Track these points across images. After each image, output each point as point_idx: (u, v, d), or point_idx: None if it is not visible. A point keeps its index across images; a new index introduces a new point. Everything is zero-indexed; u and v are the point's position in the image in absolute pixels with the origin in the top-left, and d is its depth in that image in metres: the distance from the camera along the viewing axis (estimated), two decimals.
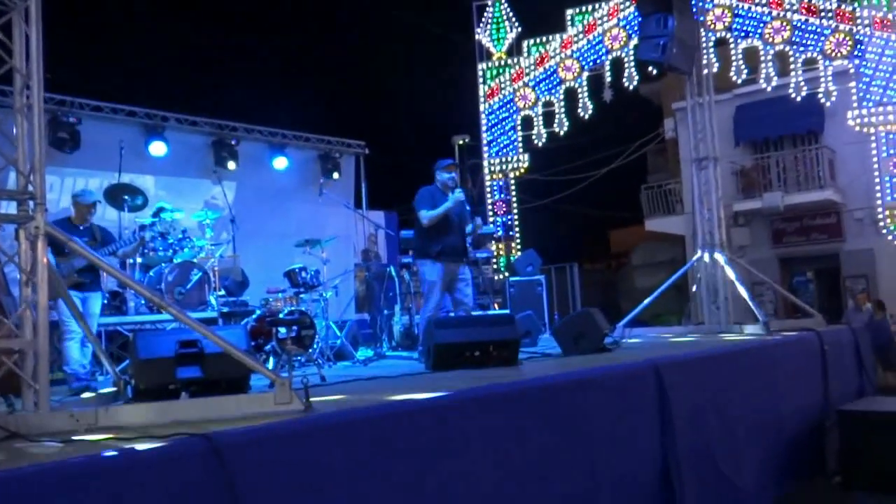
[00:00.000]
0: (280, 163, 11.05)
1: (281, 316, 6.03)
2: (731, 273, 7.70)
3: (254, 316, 6.44)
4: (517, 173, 12.52)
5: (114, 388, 4.03)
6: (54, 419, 2.91)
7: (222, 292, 7.46)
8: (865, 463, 5.34)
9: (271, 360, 5.78)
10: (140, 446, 2.35)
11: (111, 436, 2.57)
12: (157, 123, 9.75)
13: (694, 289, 8.18)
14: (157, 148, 9.63)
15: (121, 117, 9.53)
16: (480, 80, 12.71)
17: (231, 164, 10.28)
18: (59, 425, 2.87)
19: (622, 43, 11.51)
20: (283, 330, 5.78)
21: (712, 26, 10.42)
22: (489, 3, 12.84)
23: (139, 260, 7.27)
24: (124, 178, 8.76)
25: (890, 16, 10.02)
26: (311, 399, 3.08)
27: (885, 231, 10.53)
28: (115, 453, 2.27)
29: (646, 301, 7.98)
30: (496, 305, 9.44)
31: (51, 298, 4.99)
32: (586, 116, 11.94)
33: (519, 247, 12.13)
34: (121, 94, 10.15)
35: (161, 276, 6.89)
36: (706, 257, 7.86)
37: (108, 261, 5.65)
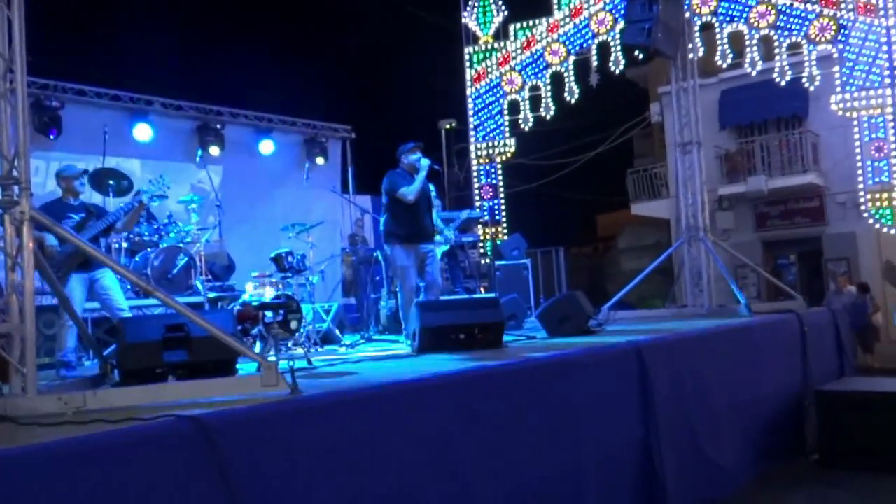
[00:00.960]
0: (266, 147, 11.02)
1: (266, 300, 6.05)
2: (713, 257, 7.80)
3: (240, 300, 6.46)
4: (504, 158, 12.52)
5: (101, 372, 4.06)
6: (42, 402, 2.94)
7: (209, 277, 7.46)
8: (842, 441, 5.47)
9: (258, 343, 5.80)
10: (129, 428, 2.38)
11: (99, 419, 2.59)
12: (141, 107, 9.69)
13: (678, 272, 8.27)
14: (142, 132, 9.59)
15: (105, 101, 9.47)
16: (467, 64, 12.68)
17: (216, 149, 10.24)
18: (48, 408, 2.90)
19: (609, 27, 11.51)
20: (269, 314, 5.80)
21: (698, 10, 10.44)
22: None
23: (125, 245, 7.25)
24: (109, 163, 8.71)
25: (874, 0, 10.08)
26: (298, 381, 3.11)
27: (866, 215, 10.64)
28: (103, 436, 2.30)
29: (630, 284, 8.06)
30: (482, 289, 9.50)
31: (60, 282, 4.98)
32: (573, 100, 11.96)
33: (505, 231, 12.17)
34: (104, 78, 10.08)
35: (147, 261, 6.89)
36: (690, 241, 7.95)
37: (97, 243, 5.57)
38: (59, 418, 2.74)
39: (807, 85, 11.00)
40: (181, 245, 7.25)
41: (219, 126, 10.38)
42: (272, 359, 3.12)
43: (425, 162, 6.12)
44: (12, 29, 3.21)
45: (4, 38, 3.23)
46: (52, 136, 8.75)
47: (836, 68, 10.51)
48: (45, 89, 8.80)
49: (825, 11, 10.22)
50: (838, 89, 10.46)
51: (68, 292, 5.07)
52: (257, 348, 5.68)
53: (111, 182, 7.66)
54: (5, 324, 3.08)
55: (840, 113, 10.69)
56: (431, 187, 6.62)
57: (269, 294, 6.24)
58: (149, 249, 7.11)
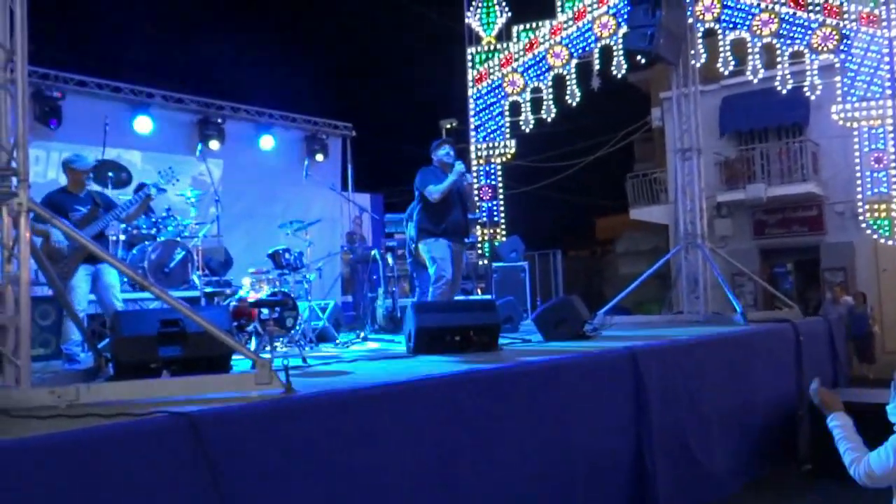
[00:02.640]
0: (266, 142, 11.02)
1: (262, 297, 6.04)
2: (710, 264, 7.80)
3: (236, 296, 6.44)
4: (503, 159, 12.54)
5: (95, 366, 4.05)
6: (36, 395, 2.93)
7: (206, 271, 7.45)
8: (835, 451, 5.46)
9: (253, 340, 5.80)
10: (120, 423, 2.38)
11: (92, 413, 2.59)
12: (142, 100, 9.69)
13: (675, 278, 8.28)
14: (143, 124, 9.59)
15: (106, 93, 9.46)
16: (469, 64, 12.69)
17: (216, 143, 10.24)
18: (41, 401, 2.89)
19: (611, 31, 11.53)
20: (265, 311, 5.79)
21: (701, 17, 10.47)
22: None
23: (122, 237, 7.23)
24: (110, 154, 8.70)
25: (876, 11, 10.10)
26: (292, 380, 3.11)
27: (864, 225, 10.68)
28: (95, 430, 2.30)
29: (626, 289, 8.06)
30: (479, 290, 9.51)
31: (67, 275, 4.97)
32: (574, 103, 11.98)
33: (503, 233, 12.18)
34: (106, 70, 10.08)
35: (144, 254, 6.87)
36: (687, 248, 7.95)
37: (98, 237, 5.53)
38: (52, 411, 2.73)
39: (808, 94, 11.02)
40: (179, 239, 7.24)
41: (219, 120, 10.38)
42: (266, 356, 3.11)
43: (460, 167, 6.16)
44: (14, 19, 3.20)
45: (6, 28, 3.22)
46: (52, 126, 8.73)
47: (838, 78, 10.53)
48: (45, 79, 8.79)
49: (828, 21, 10.25)
50: (839, 99, 10.48)
51: (74, 285, 5.06)
52: (252, 345, 5.68)
53: (110, 174, 7.63)
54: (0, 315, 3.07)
55: (841, 123, 10.71)
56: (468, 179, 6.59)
57: (265, 291, 6.24)
58: (146, 242, 7.09)
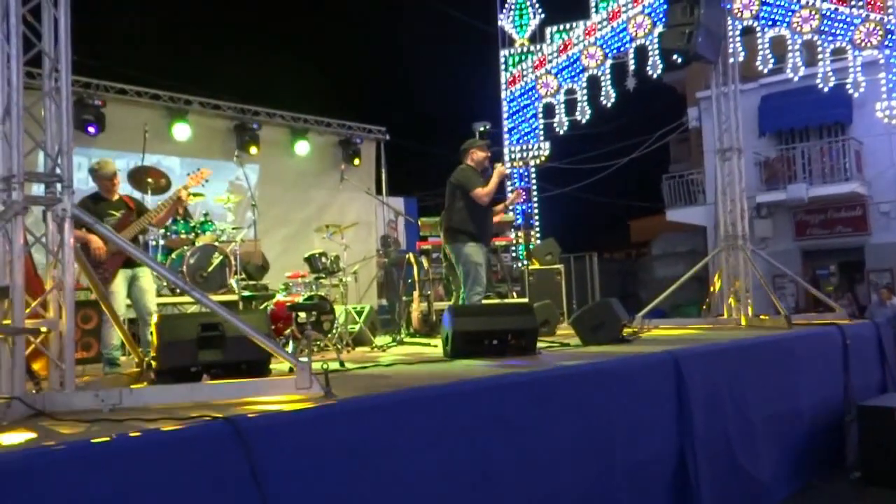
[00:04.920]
0: (301, 148, 11.11)
1: (299, 301, 6.07)
2: (752, 266, 7.64)
3: (273, 300, 6.49)
4: (538, 161, 12.45)
5: (137, 370, 4.10)
6: (79, 398, 2.97)
7: (243, 276, 7.52)
8: (885, 459, 5.30)
9: (290, 344, 5.83)
10: (163, 427, 2.39)
11: (134, 417, 2.61)
12: (180, 107, 9.84)
13: (715, 280, 8.11)
14: (181, 131, 9.75)
15: (145, 100, 9.64)
16: (502, 66, 12.63)
17: (253, 149, 10.36)
18: (84, 404, 2.92)
19: (647, 31, 11.38)
20: (302, 315, 5.82)
21: (739, 14, 10.26)
22: None
23: (161, 242, 7.34)
24: (150, 160, 8.85)
25: None
26: (331, 384, 3.10)
27: None
28: (138, 434, 2.31)
29: (665, 292, 7.93)
30: (514, 294, 9.43)
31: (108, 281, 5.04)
32: (609, 104, 11.85)
33: (538, 235, 12.09)
34: (145, 78, 10.26)
35: (183, 259, 6.96)
36: (728, 249, 7.79)
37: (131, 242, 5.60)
38: (95, 415, 2.76)
39: (851, 91, 10.74)
40: (217, 244, 7.32)
41: (255, 126, 10.49)
42: (304, 360, 3.11)
43: (503, 168, 6.16)
44: (58, 28, 3.25)
45: (51, 38, 3.28)
46: (89, 132, 8.91)
47: (882, 74, 10.24)
48: (87, 88, 8.98)
49: (871, 16, 9.97)
50: (884, 96, 10.18)
51: (113, 290, 5.13)
52: (289, 348, 5.71)
53: (149, 180, 7.75)
54: (44, 319, 3.12)
55: (886, 121, 10.41)
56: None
57: (301, 295, 6.27)
58: (185, 247, 7.18)
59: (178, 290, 6.60)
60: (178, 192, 5.68)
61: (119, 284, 5.21)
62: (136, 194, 8.06)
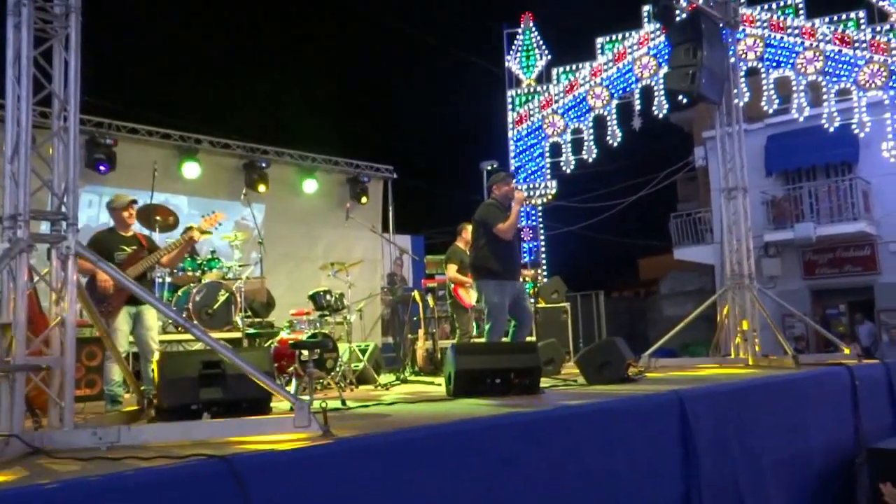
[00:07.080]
0: (309, 186, 11.20)
1: (302, 339, 6.06)
2: (759, 306, 7.58)
3: (277, 338, 6.48)
4: (545, 200, 12.52)
5: (137, 407, 4.09)
6: (77, 436, 2.96)
7: (248, 313, 7.53)
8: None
9: (294, 382, 5.80)
10: (160, 466, 2.38)
11: (132, 455, 2.60)
12: (190, 145, 9.97)
13: (722, 320, 8.06)
14: (191, 169, 9.85)
15: (156, 139, 9.77)
16: (509, 106, 12.79)
17: (262, 187, 10.45)
18: (82, 442, 2.91)
19: (652, 71, 11.52)
20: (305, 353, 5.80)
21: (744, 56, 10.39)
22: (520, 30, 12.96)
23: (168, 279, 7.38)
24: (158, 199, 8.94)
25: None
26: (331, 423, 3.08)
27: None
28: (133, 473, 2.30)
29: (672, 331, 7.87)
30: None
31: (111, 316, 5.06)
32: (615, 144, 11.94)
33: (545, 273, 12.08)
34: (156, 118, 10.42)
35: (189, 296, 6.99)
36: (734, 288, 7.75)
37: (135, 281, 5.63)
38: (93, 453, 2.75)
39: (857, 131, 10.78)
40: (223, 281, 7.35)
41: (264, 164, 10.60)
42: (306, 399, 3.09)
43: (521, 194, 6.22)
44: (68, 71, 3.33)
45: (61, 79, 3.35)
46: (100, 171, 9.03)
47: (888, 114, 10.30)
48: (99, 127, 9.13)
49: (875, 57, 10.07)
50: (890, 136, 10.23)
51: (116, 326, 5.14)
52: (293, 386, 5.68)
53: (157, 218, 7.83)
54: (45, 357, 3.12)
55: (893, 160, 10.44)
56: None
57: (305, 332, 6.26)
58: (191, 284, 7.22)
59: (181, 328, 6.60)
60: (190, 234, 5.71)
61: (122, 321, 5.22)
62: (144, 231, 8.16)
